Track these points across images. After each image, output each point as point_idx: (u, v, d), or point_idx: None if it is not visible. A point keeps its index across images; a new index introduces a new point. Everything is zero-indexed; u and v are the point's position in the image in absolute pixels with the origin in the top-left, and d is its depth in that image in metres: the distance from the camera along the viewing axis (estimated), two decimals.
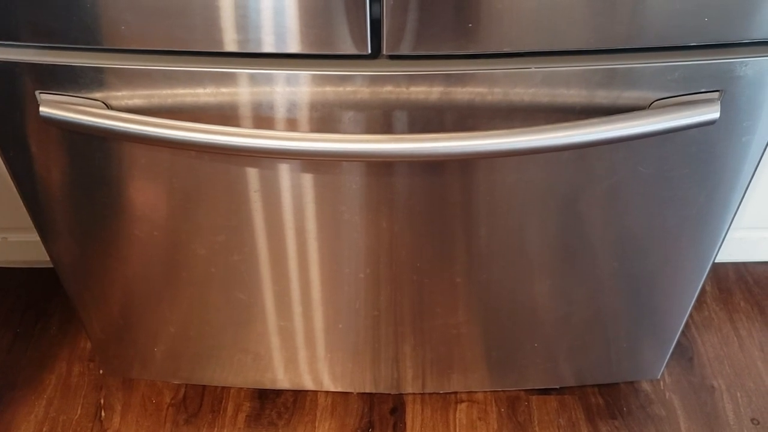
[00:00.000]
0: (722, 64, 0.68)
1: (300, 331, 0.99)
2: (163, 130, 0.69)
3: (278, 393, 1.14)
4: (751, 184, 0.83)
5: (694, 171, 0.79)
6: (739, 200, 0.84)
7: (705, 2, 0.64)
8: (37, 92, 0.71)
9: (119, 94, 0.71)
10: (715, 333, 1.24)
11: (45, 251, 1.23)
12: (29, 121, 0.74)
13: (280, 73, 0.68)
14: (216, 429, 1.10)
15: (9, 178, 1.11)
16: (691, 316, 1.24)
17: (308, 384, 1.10)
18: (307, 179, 0.79)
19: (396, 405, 1.13)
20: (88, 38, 0.67)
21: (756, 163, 0.79)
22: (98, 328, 1.01)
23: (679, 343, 1.05)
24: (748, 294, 1.30)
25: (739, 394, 1.14)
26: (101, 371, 1.17)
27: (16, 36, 0.68)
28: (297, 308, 0.95)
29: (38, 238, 1.21)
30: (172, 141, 0.69)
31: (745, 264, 1.35)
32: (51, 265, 1.30)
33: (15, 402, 1.13)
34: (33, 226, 1.19)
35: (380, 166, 0.77)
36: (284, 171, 0.78)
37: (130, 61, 0.69)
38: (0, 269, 1.33)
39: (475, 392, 1.14)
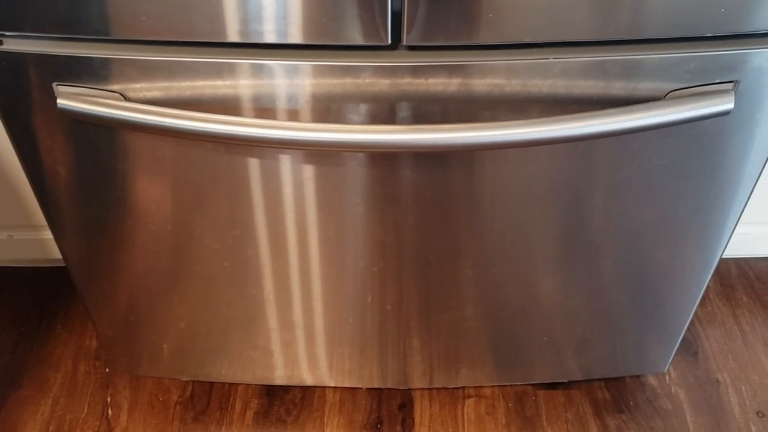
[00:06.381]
0: (737, 54, 0.69)
1: (310, 327, 0.99)
2: (182, 122, 0.69)
3: (286, 389, 1.14)
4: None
5: (705, 162, 0.79)
6: (749, 193, 0.84)
7: None
8: (54, 84, 0.71)
9: (137, 86, 0.71)
10: (719, 328, 1.25)
11: (50, 250, 1.24)
12: (45, 114, 0.74)
13: (300, 64, 0.69)
14: (224, 426, 1.10)
15: (15, 175, 1.11)
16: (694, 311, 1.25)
17: (317, 380, 1.10)
18: (323, 172, 0.79)
19: (404, 400, 1.13)
20: (107, 29, 0.67)
21: (766, 156, 0.80)
22: (107, 324, 1.01)
23: (683, 337, 1.06)
24: (750, 289, 1.31)
25: (744, 388, 1.15)
26: (107, 369, 1.17)
27: (32, 27, 0.68)
28: (309, 304, 0.95)
29: (43, 237, 1.22)
30: (191, 133, 0.69)
31: (746, 259, 1.37)
32: (56, 264, 1.30)
33: (21, 401, 1.12)
34: (38, 224, 1.19)
35: (396, 158, 0.78)
36: (301, 164, 0.78)
37: (149, 52, 0.69)
38: (5, 268, 1.33)
39: (483, 387, 1.14)
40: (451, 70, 0.69)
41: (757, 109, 0.74)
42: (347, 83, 0.70)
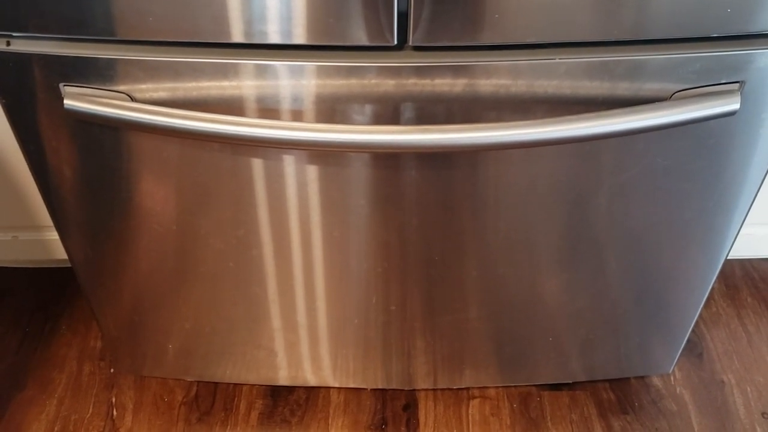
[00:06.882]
0: (743, 55, 0.69)
1: (315, 328, 0.99)
2: (188, 122, 0.69)
3: (291, 390, 1.14)
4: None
5: (711, 163, 0.79)
6: (754, 194, 0.84)
7: None
8: (60, 85, 0.71)
9: (144, 86, 0.71)
10: (724, 329, 1.24)
11: (54, 250, 1.24)
12: (51, 114, 0.74)
13: (305, 65, 0.69)
14: (229, 427, 1.10)
15: (19, 175, 1.11)
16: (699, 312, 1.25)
17: (321, 381, 1.10)
18: (327, 173, 0.79)
19: (409, 401, 1.13)
20: (113, 30, 0.67)
21: None
22: (113, 325, 1.01)
23: (688, 338, 1.06)
24: (754, 290, 1.31)
25: (749, 389, 1.15)
26: (112, 370, 1.17)
27: (39, 28, 0.68)
28: (313, 304, 0.95)
29: (48, 237, 1.22)
30: (197, 133, 0.69)
31: (750, 260, 1.36)
32: (60, 265, 1.30)
33: (26, 402, 1.13)
34: (42, 224, 1.19)
35: (401, 158, 0.78)
36: (306, 165, 0.78)
37: (155, 53, 0.69)
38: (9, 269, 1.33)
39: (487, 388, 1.14)
40: (457, 71, 0.69)
41: (763, 109, 0.74)
42: (352, 84, 0.70)
